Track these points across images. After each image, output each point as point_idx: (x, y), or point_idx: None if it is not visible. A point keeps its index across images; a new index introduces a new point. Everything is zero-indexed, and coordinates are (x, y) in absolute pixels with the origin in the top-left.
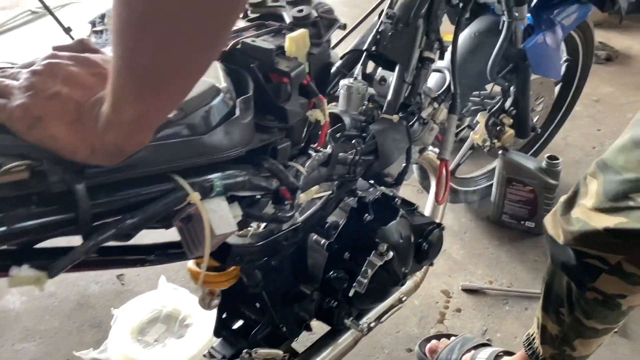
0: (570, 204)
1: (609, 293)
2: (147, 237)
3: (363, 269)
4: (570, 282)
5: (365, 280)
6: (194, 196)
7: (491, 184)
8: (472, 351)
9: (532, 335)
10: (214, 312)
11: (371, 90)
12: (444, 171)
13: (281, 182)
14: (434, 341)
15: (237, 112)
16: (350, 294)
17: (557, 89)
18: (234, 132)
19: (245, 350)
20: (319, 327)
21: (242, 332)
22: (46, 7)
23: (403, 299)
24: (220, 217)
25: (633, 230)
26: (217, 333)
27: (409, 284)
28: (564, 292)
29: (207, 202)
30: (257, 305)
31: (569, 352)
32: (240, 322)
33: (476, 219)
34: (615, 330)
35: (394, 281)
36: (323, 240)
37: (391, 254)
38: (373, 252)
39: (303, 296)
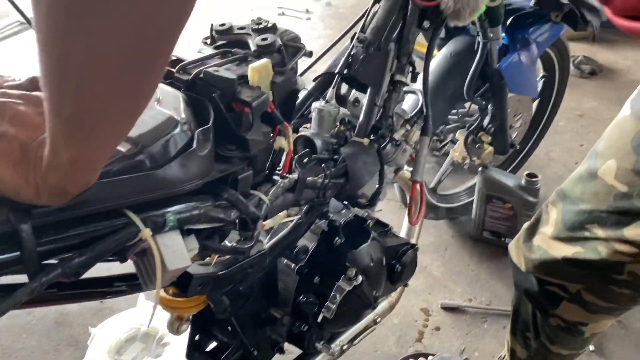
0: (532, 230)
1: (570, 320)
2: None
3: (332, 294)
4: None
5: (334, 306)
6: (146, 232)
7: (472, 200)
8: None
9: (503, 357)
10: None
11: (345, 111)
12: (417, 192)
13: (241, 212)
14: None
15: (195, 144)
16: (319, 319)
17: (534, 104)
18: (191, 164)
19: None
20: (292, 349)
21: (214, 355)
22: (26, 20)
23: (377, 320)
24: (174, 252)
25: (588, 260)
26: (189, 355)
27: (384, 304)
28: (530, 317)
29: (160, 237)
30: (229, 328)
31: None
32: (213, 344)
33: (458, 235)
34: (592, 349)
35: (365, 305)
36: (293, 264)
37: (360, 278)
38: (342, 276)
39: (273, 320)
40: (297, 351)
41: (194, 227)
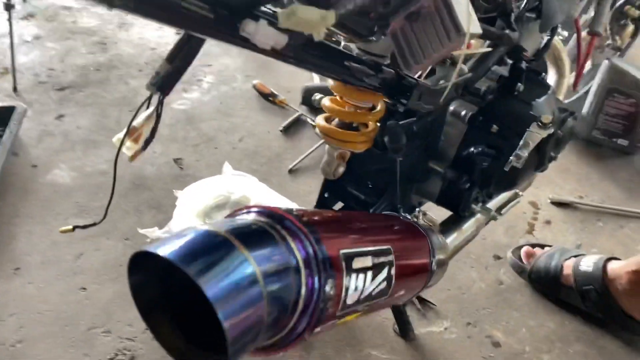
0: None
1: None
2: None
3: (523, 142)
4: None
5: (525, 153)
6: None
7: (586, 93)
8: (574, 258)
9: None
10: (289, 203)
11: None
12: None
13: None
14: (528, 247)
15: None
16: (506, 168)
17: None
18: None
19: (417, 209)
20: None
21: None
22: None
23: (520, 194)
24: (465, 13)
25: None
26: None
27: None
28: None
29: None
30: (370, 185)
31: None
32: (339, 205)
33: None
34: None
35: (539, 163)
36: (464, 111)
37: (552, 128)
38: (534, 123)
39: (431, 174)
40: None
41: None
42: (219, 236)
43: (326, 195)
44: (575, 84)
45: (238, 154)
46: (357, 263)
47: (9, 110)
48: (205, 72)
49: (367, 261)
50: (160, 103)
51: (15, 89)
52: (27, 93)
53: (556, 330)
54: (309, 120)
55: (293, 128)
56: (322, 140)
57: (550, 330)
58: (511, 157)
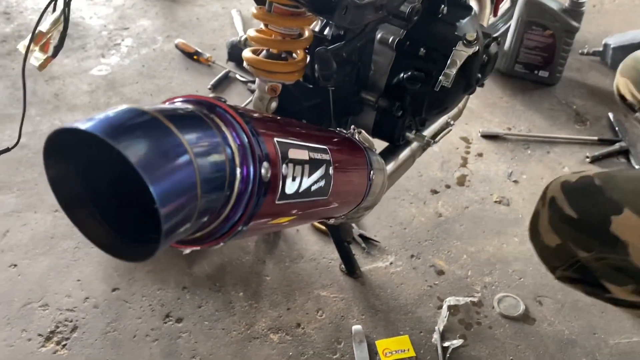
0: None
1: None
2: None
3: (450, 61)
4: None
5: (453, 72)
6: None
7: (507, 29)
8: None
9: None
10: None
11: None
12: None
13: None
14: None
15: None
16: (436, 88)
17: None
18: None
19: (352, 127)
20: None
21: None
22: None
23: (450, 122)
24: None
25: None
26: None
27: (454, 110)
28: None
29: None
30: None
31: None
32: None
33: None
34: None
35: (467, 84)
36: (391, 38)
37: (477, 46)
38: (459, 42)
39: (364, 105)
40: None
41: None
42: (145, 113)
43: None
44: (495, 10)
45: None
46: (293, 153)
47: None
48: (123, 36)
49: (304, 154)
50: (67, 5)
51: None
52: None
53: (495, 253)
54: (237, 76)
55: (222, 85)
56: (252, 96)
57: (489, 254)
58: (440, 77)
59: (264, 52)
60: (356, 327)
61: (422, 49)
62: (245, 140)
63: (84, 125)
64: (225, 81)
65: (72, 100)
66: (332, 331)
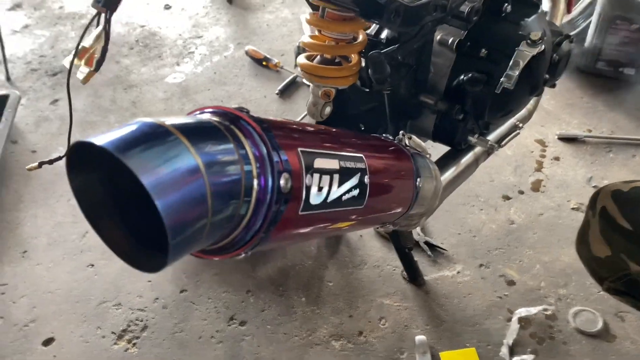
0: None
1: None
2: None
3: (512, 62)
4: None
5: (516, 73)
6: None
7: (587, 26)
8: None
9: None
10: None
11: None
12: None
13: None
14: None
15: None
16: (497, 90)
17: None
18: None
19: (401, 132)
20: None
21: None
22: None
23: (519, 125)
24: None
25: None
26: None
27: (522, 111)
28: None
29: None
30: (362, 127)
31: None
32: None
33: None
34: None
35: (534, 86)
36: (451, 38)
37: (543, 45)
38: (522, 42)
39: (424, 108)
40: None
41: None
42: (160, 127)
43: None
44: (569, 7)
45: None
46: (320, 163)
47: (2, 99)
48: (196, 44)
49: (333, 164)
50: (108, 21)
51: (8, 79)
52: (21, 81)
53: (571, 263)
54: (304, 81)
55: (289, 90)
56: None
57: (565, 264)
58: (502, 79)
59: (318, 57)
60: (420, 338)
61: (483, 50)
62: (265, 151)
63: (95, 140)
64: (292, 86)
65: (148, 108)
66: (395, 341)
